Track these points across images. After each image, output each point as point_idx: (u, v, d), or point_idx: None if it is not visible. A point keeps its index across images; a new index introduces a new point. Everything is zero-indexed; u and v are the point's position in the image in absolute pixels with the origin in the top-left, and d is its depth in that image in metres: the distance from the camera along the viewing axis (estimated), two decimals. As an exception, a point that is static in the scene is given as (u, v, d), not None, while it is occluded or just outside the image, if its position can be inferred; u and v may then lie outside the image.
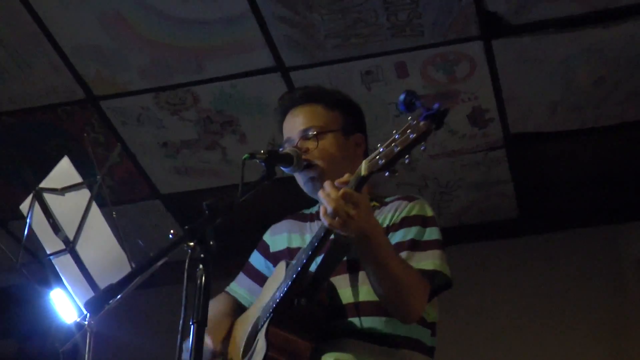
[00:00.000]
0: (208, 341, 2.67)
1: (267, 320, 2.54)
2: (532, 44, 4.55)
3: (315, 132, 2.71)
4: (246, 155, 2.50)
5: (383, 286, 2.44)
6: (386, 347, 2.53)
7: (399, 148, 2.29)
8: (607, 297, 5.37)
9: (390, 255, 2.43)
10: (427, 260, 2.53)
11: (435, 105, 2.27)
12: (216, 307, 2.81)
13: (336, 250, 2.56)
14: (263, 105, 4.94)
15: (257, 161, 2.53)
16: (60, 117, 5.04)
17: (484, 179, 5.43)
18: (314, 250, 2.50)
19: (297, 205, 2.93)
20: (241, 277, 2.92)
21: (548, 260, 5.56)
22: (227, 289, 2.92)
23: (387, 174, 2.34)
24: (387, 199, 2.73)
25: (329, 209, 2.34)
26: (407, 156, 2.30)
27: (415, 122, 2.27)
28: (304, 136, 2.71)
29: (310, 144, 2.70)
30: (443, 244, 2.61)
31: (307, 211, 2.87)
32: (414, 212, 2.63)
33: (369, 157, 2.36)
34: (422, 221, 2.61)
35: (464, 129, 5.08)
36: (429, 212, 2.64)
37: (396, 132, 2.30)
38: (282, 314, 2.52)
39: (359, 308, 2.54)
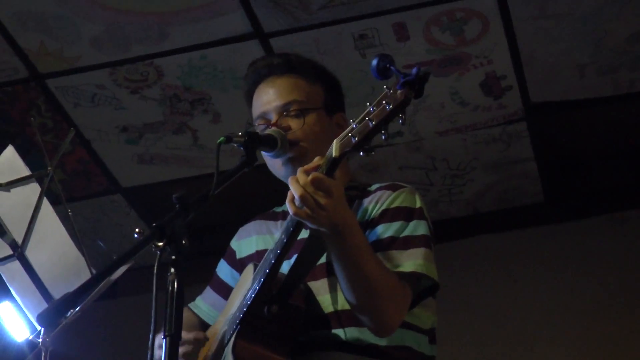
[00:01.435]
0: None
1: (234, 333, 2.55)
2: (554, -4, 4.58)
3: (297, 108, 2.72)
4: (222, 139, 2.50)
5: (354, 292, 2.44)
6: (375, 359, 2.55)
7: (373, 122, 2.30)
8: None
9: (365, 256, 2.42)
10: (408, 261, 2.53)
11: (414, 70, 2.30)
12: None
13: (312, 249, 2.56)
14: (239, 78, 4.94)
15: (235, 145, 2.55)
16: (0, 100, 5.05)
17: (501, 157, 5.46)
18: (284, 248, 2.50)
19: (283, 196, 2.95)
20: (206, 290, 2.94)
21: (580, 251, 5.59)
22: (190, 304, 2.93)
23: (362, 154, 2.35)
24: (371, 188, 2.73)
25: (295, 196, 2.35)
26: (383, 132, 2.31)
27: (391, 91, 2.29)
28: (284, 112, 2.73)
29: (293, 122, 2.71)
30: (430, 240, 2.60)
31: (278, 209, 2.88)
32: (396, 204, 2.63)
33: (341, 135, 2.36)
34: (407, 214, 2.60)
35: (476, 100, 5.10)
36: (417, 203, 2.64)
37: (371, 105, 2.32)
38: (250, 325, 2.52)
39: (342, 317, 2.56)
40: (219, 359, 2.61)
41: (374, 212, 2.63)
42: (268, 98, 2.77)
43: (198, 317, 2.90)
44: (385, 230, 2.58)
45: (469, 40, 4.78)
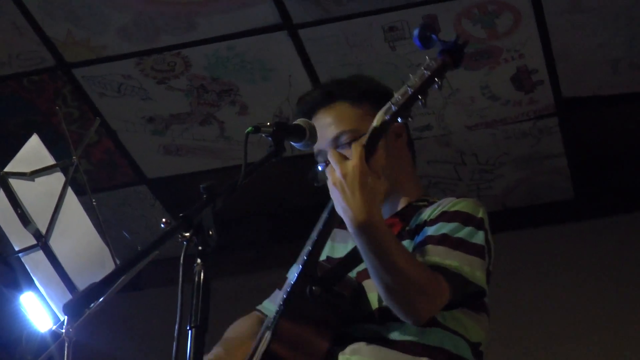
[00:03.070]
0: None
1: (277, 314, 2.56)
2: (588, -11, 4.56)
3: (348, 139, 2.70)
4: (250, 129, 2.46)
5: (382, 284, 2.44)
6: (410, 356, 2.54)
7: (412, 90, 2.46)
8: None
9: (391, 249, 2.41)
10: (454, 260, 2.51)
11: (452, 39, 2.49)
12: (239, 327, 2.82)
13: None
14: (267, 69, 4.96)
15: (263, 135, 2.53)
16: (27, 89, 5.07)
17: (532, 153, 5.43)
18: (325, 224, 2.56)
19: (310, 189, 2.93)
20: (275, 292, 2.94)
21: (610, 249, 5.56)
22: (258, 306, 2.93)
23: (400, 120, 2.49)
24: (439, 200, 2.73)
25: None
26: (420, 98, 2.47)
27: (432, 60, 2.48)
28: (337, 145, 2.71)
29: (347, 153, 2.65)
30: (485, 251, 2.58)
31: None
32: (456, 208, 2.62)
33: (384, 107, 2.49)
34: (465, 219, 2.59)
35: (507, 94, 5.08)
36: (479, 213, 2.61)
37: (413, 76, 2.49)
38: (292, 305, 2.54)
39: (387, 314, 2.54)
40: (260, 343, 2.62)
41: (433, 214, 2.62)
42: (319, 134, 2.72)
43: (261, 317, 2.87)
44: (440, 228, 2.57)
45: (500, 34, 4.76)
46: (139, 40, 4.82)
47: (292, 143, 2.64)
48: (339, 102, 2.78)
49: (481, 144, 5.37)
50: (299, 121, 2.64)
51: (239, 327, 2.80)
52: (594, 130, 5.35)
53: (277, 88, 5.06)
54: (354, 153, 2.43)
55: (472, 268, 2.54)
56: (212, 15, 4.70)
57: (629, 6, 4.61)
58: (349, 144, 2.68)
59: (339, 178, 2.41)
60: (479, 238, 2.58)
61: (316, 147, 2.76)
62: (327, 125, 2.75)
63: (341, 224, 2.73)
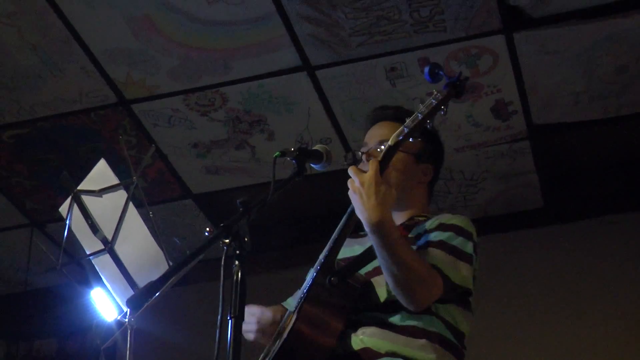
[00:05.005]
0: (267, 311, 2.73)
1: (301, 300, 2.56)
2: (553, 36, 4.53)
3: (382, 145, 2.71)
4: (277, 153, 2.50)
5: (391, 276, 2.45)
6: (411, 338, 2.54)
7: (422, 116, 2.52)
8: (636, 286, 5.33)
9: (399, 247, 2.43)
10: (448, 263, 2.52)
11: (457, 74, 2.57)
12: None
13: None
14: (290, 103, 4.95)
15: (288, 159, 2.54)
16: (93, 121, 5.08)
17: (508, 170, 5.41)
18: (344, 226, 2.56)
19: (326, 201, 2.94)
20: (297, 292, 2.95)
21: (574, 249, 5.52)
22: (283, 302, 2.94)
23: (410, 139, 2.52)
24: (436, 215, 2.75)
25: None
26: (429, 121, 2.52)
27: (438, 92, 2.55)
28: (378, 147, 2.73)
29: (365, 167, 2.71)
30: (472, 259, 2.59)
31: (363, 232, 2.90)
32: (452, 222, 2.64)
33: (397, 130, 2.53)
34: (458, 230, 2.61)
35: (487, 122, 5.07)
36: (469, 228, 2.63)
37: (422, 104, 2.55)
38: (314, 292, 2.54)
39: (390, 304, 2.56)
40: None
41: (432, 225, 2.64)
42: (373, 133, 2.83)
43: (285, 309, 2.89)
44: (437, 236, 2.59)
45: (482, 72, 4.75)
46: (185, 80, 4.83)
47: (312, 165, 2.66)
48: (391, 121, 2.82)
49: (466, 163, 5.36)
50: (318, 147, 2.65)
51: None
52: (560, 150, 5.32)
53: (299, 118, 5.06)
54: (371, 166, 2.45)
55: (461, 271, 2.55)
56: (245, 59, 4.70)
57: (587, 49, 4.60)
58: (369, 156, 2.72)
59: (358, 186, 2.43)
60: (469, 248, 2.60)
61: (365, 138, 2.84)
62: (382, 131, 2.79)
63: (355, 237, 2.75)
